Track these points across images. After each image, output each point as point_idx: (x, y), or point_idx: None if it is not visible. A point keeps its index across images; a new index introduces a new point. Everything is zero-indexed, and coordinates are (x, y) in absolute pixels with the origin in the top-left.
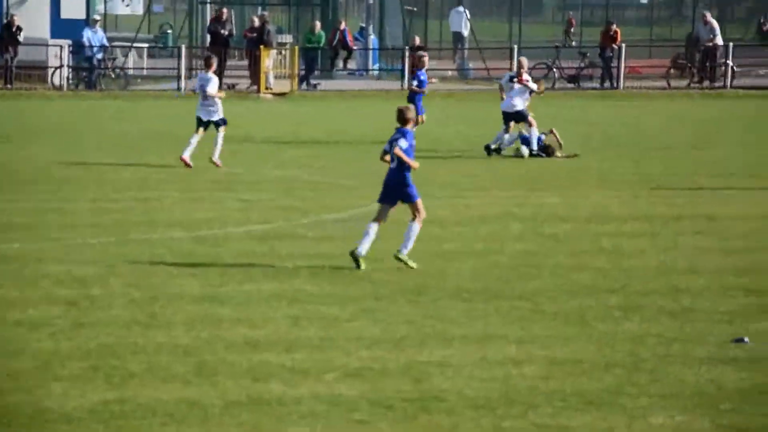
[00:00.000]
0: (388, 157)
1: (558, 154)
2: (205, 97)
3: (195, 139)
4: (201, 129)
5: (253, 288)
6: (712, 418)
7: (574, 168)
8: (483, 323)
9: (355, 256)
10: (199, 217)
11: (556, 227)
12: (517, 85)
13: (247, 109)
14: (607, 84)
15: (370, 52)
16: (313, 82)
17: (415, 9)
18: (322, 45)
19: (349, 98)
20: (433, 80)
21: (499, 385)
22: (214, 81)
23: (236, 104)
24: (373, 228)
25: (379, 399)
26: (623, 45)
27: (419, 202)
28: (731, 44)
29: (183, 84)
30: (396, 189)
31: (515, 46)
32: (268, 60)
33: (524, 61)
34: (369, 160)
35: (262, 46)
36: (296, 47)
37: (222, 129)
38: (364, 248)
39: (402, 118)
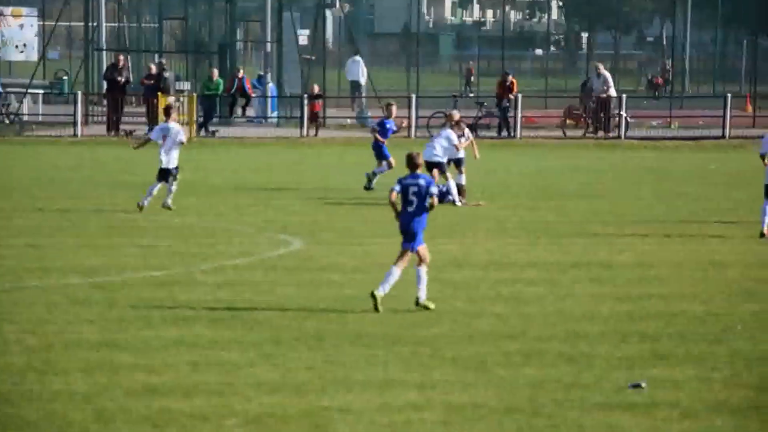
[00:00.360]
0: (398, 201)
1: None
2: (170, 147)
3: (155, 189)
4: (162, 180)
5: (151, 334)
6: None
7: (471, 215)
8: (383, 369)
9: (420, 305)
10: (95, 264)
11: (455, 274)
12: (443, 136)
13: (144, 156)
14: (504, 133)
15: (269, 99)
16: (211, 129)
17: (312, 57)
18: (220, 92)
19: (248, 145)
20: (404, 124)
21: (399, 430)
22: (182, 130)
23: (133, 150)
24: (422, 271)
25: None
26: (519, 95)
27: (421, 248)
28: (624, 96)
29: (79, 130)
30: (412, 229)
31: (413, 95)
32: None
33: (455, 114)
34: (267, 206)
35: (159, 93)
36: (194, 94)
37: (177, 178)
38: (422, 294)
39: (414, 163)
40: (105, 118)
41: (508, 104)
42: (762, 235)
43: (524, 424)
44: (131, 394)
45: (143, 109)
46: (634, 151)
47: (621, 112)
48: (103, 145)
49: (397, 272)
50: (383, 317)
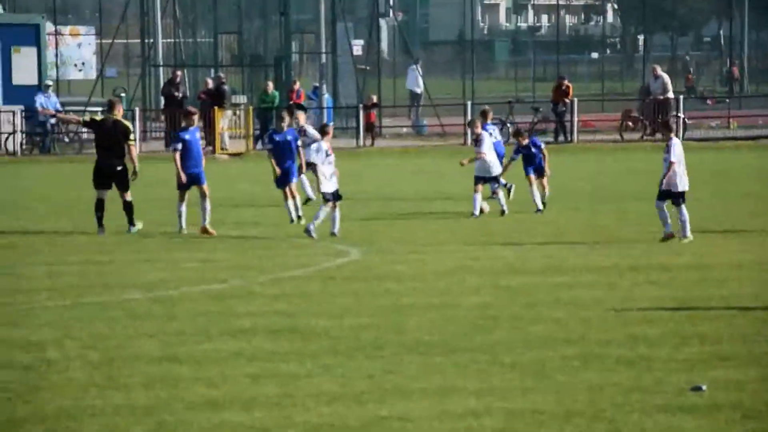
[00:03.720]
0: None
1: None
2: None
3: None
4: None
5: (210, 347)
6: None
7: (528, 221)
8: (442, 376)
9: None
10: (154, 278)
11: (512, 280)
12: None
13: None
14: (561, 138)
15: (325, 110)
16: None
17: (368, 68)
18: (276, 105)
19: None
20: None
21: None
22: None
23: None
24: None
25: None
26: (575, 99)
27: None
28: (681, 97)
29: (138, 147)
30: None
31: (469, 103)
32: (223, 120)
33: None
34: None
35: (216, 107)
36: (250, 107)
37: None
38: None
39: None
40: (163, 134)
41: (564, 108)
42: None
43: (585, 429)
44: (192, 407)
45: (201, 124)
46: (693, 153)
47: (678, 114)
48: (162, 160)
49: None
50: (440, 325)
